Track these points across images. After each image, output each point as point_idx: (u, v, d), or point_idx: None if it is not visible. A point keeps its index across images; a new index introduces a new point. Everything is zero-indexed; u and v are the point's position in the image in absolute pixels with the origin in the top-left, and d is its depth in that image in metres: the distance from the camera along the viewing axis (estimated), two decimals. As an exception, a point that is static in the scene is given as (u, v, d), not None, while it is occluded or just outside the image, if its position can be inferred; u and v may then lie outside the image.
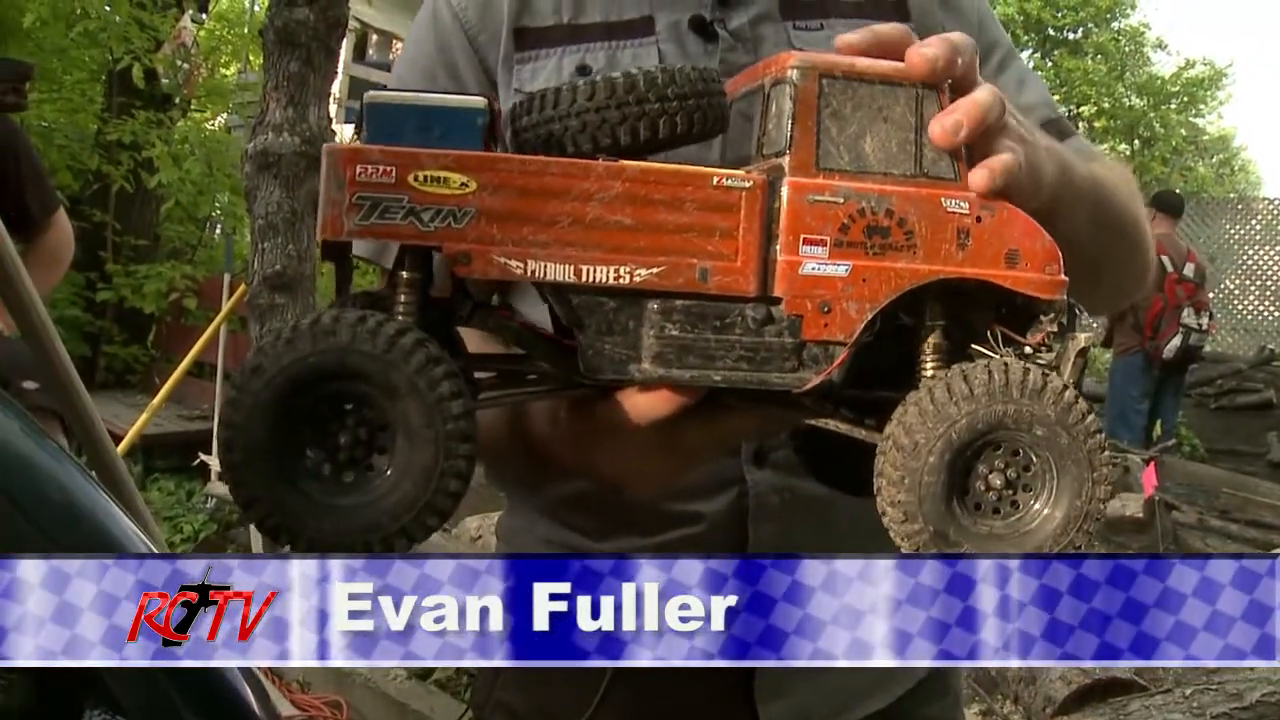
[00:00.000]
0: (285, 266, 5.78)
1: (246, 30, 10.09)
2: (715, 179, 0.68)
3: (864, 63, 0.72)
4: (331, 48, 5.87)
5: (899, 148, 0.71)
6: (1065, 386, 0.70)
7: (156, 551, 1.36)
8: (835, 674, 1.23)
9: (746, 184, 0.68)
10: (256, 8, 13.33)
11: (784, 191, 0.68)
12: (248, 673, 1.32)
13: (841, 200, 0.68)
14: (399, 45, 17.03)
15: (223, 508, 5.60)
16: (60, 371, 1.89)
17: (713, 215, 0.67)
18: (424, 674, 3.88)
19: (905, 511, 0.69)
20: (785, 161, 0.69)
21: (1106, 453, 0.72)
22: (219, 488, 5.52)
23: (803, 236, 0.68)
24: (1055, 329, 0.73)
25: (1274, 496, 6.45)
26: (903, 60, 0.74)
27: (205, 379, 6.99)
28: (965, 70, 0.76)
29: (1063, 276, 0.72)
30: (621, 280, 0.68)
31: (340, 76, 9.36)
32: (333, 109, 6.39)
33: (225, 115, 10.29)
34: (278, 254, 5.77)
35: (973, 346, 0.74)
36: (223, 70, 10.75)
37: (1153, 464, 5.11)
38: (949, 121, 0.72)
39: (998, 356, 0.71)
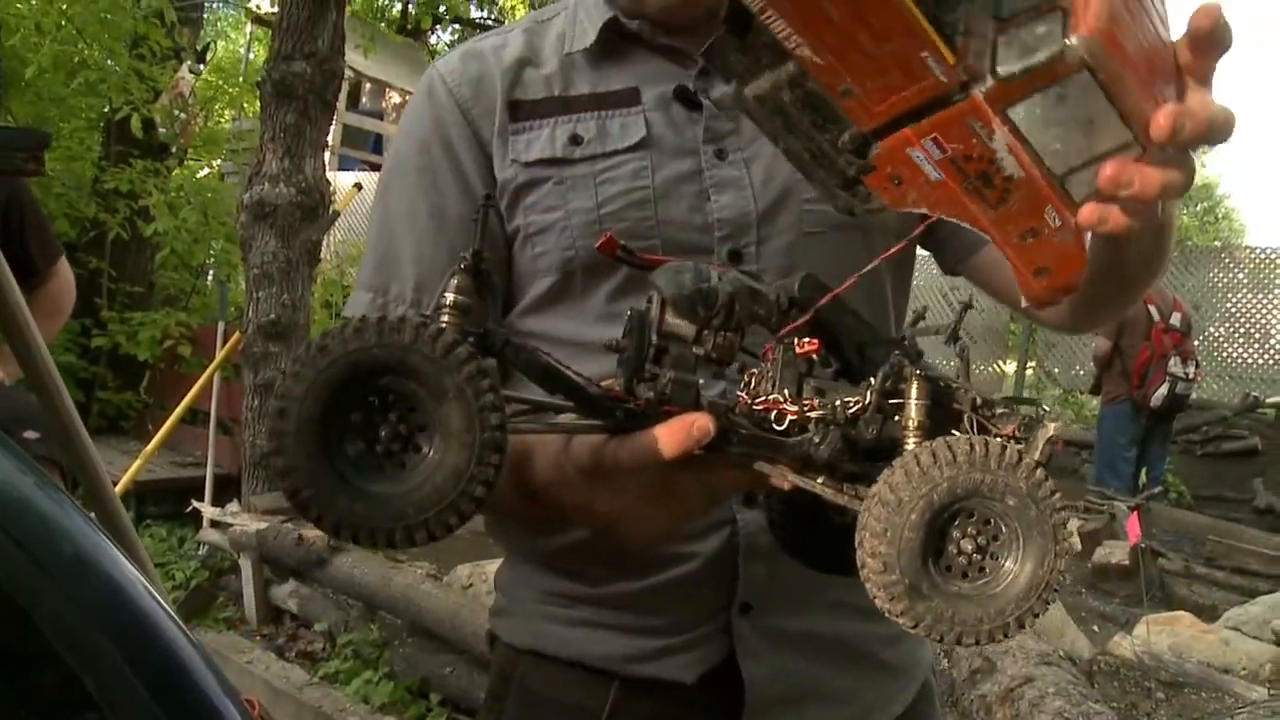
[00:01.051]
0: (280, 315, 5.84)
1: (242, 79, 10.23)
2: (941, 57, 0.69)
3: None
4: (328, 100, 5.98)
5: (1072, 149, 0.71)
6: (1037, 463, 0.75)
7: (158, 598, 1.40)
8: (820, 712, 1.28)
9: (955, 70, 0.68)
10: (251, 55, 13.49)
11: (974, 90, 0.69)
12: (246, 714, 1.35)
13: (991, 143, 0.70)
14: (392, 94, 17.18)
15: (214, 554, 5.60)
16: (66, 421, 1.94)
17: (914, 54, 0.68)
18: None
19: (884, 562, 0.73)
20: (988, 85, 0.69)
21: (1068, 528, 0.77)
22: (211, 535, 5.54)
23: (936, 136, 0.70)
24: (1021, 421, 0.79)
25: (1259, 543, 6.49)
26: None
27: (198, 426, 7.01)
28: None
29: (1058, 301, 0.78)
30: None
31: (334, 125, 9.46)
32: (327, 157, 6.47)
33: (220, 162, 10.40)
34: (272, 303, 5.83)
35: (952, 431, 0.79)
36: (218, 118, 10.87)
37: (1136, 512, 5.15)
38: (1176, 119, 0.70)
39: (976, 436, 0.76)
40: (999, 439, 0.75)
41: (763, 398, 0.83)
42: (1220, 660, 4.16)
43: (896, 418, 0.80)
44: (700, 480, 0.86)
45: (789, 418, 0.81)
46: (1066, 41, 0.66)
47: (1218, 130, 0.73)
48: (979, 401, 0.81)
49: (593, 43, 1.25)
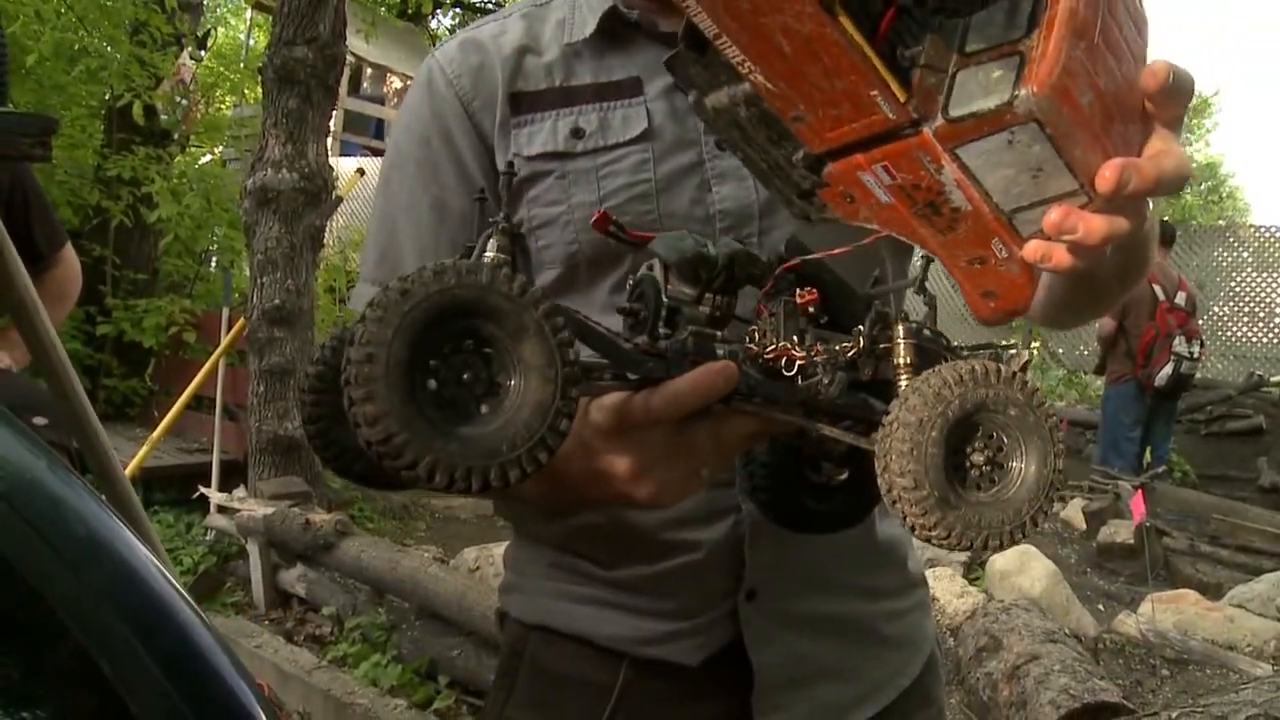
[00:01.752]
0: (284, 301, 5.84)
1: (243, 65, 10.21)
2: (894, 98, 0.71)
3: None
4: (330, 85, 5.97)
5: (1020, 191, 0.74)
6: (1026, 377, 0.81)
7: (171, 579, 1.41)
8: (828, 690, 1.30)
9: (906, 107, 0.70)
10: (252, 41, 13.47)
11: (924, 127, 0.71)
12: (264, 701, 1.36)
13: (939, 176, 0.73)
14: (393, 79, 17.15)
15: (222, 540, 5.62)
16: (76, 405, 1.95)
17: (863, 91, 0.70)
18: (424, 703, 3.92)
19: (914, 479, 0.77)
20: (938, 123, 0.70)
21: (1060, 426, 0.83)
22: (218, 520, 5.56)
23: (886, 164, 0.73)
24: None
25: (1264, 522, 6.49)
26: None
27: (204, 412, 7.02)
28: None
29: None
30: None
31: (336, 110, 9.44)
32: (329, 143, 6.47)
33: (221, 148, 10.39)
34: (277, 288, 5.84)
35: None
36: (220, 104, 10.85)
37: (1141, 491, 5.15)
38: (1121, 173, 0.71)
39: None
40: (986, 363, 0.80)
41: (772, 346, 0.86)
42: (1225, 638, 4.17)
43: (886, 359, 0.86)
44: (712, 432, 0.88)
45: (798, 363, 0.85)
46: (1017, 92, 0.67)
47: (1167, 184, 0.73)
48: (949, 343, 0.88)
49: (593, 32, 1.24)
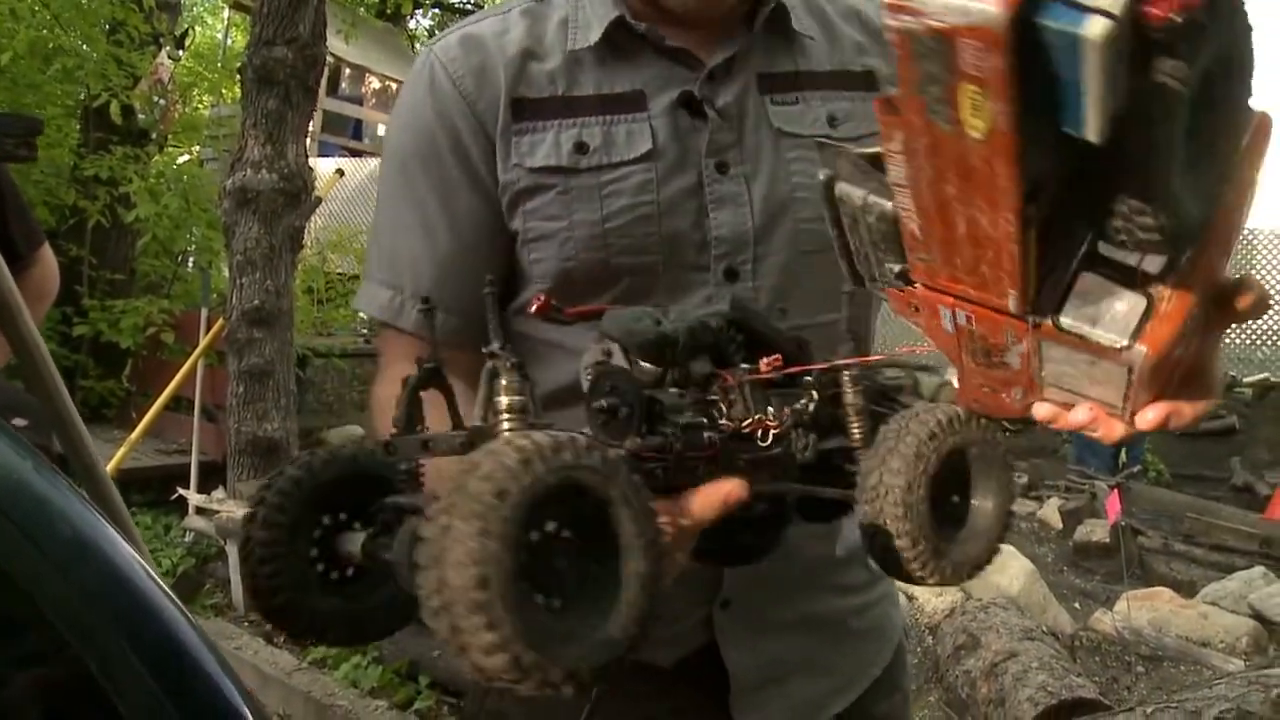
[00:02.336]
0: (264, 302, 5.82)
1: (220, 65, 10.16)
2: None
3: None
4: (309, 86, 5.95)
5: (1069, 381, 0.76)
6: (981, 419, 0.85)
7: (156, 579, 1.41)
8: (803, 686, 1.32)
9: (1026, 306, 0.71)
10: (229, 41, 13.41)
11: (1029, 318, 0.71)
12: (250, 700, 1.36)
13: (1010, 344, 0.75)
14: (371, 79, 17.08)
15: (200, 541, 5.61)
16: (59, 404, 1.95)
17: (999, 280, 0.69)
18: (405, 704, 3.92)
19: (911, 539, 0.81)
20: (1043, 320, 0.71)
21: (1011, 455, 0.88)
22: (197, 521, 5.53)
23: (973, 316, 0.74)
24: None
25: (1237, 521, 6.56)
26: None
27: (182, 413, 6.98)
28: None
29: None
30: None
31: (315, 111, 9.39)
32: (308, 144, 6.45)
33: (199, 148, 10.34)
34: (256, 289, 5.82)
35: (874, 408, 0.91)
36: (197, 104, 10.80)
37: (1116, 491, 5.20)
38: (1166, 416, 0.76)
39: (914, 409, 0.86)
40: (945, 410, 0.84)
41: (748, 420, 0.85)
42: (1198, 634, 4.22)
43: (833, 403, 0.90)
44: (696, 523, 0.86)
45: (773, 432, 0.86)
46: (1132, 345, 0.67)
47: (1191, 425, 0.78)
48: (881, 381, 0.94)
49: (598, 40, 1.22)
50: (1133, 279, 0.68)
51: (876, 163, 0.72)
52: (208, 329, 6.28)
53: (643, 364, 0.83)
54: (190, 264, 9.26)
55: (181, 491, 5.74)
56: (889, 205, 0.72)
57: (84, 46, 8.18)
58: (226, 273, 6.28)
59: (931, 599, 4.31)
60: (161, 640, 1.32)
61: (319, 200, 6.50)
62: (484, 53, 1.23)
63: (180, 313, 7.81)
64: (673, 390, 0.83)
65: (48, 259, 3.33)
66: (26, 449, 1.45)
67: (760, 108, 1.24)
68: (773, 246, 1.22)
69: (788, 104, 1.25)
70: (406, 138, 1.27)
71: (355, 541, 0.77)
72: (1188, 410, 0.76)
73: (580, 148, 1.19)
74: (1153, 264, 0.68)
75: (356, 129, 16.43)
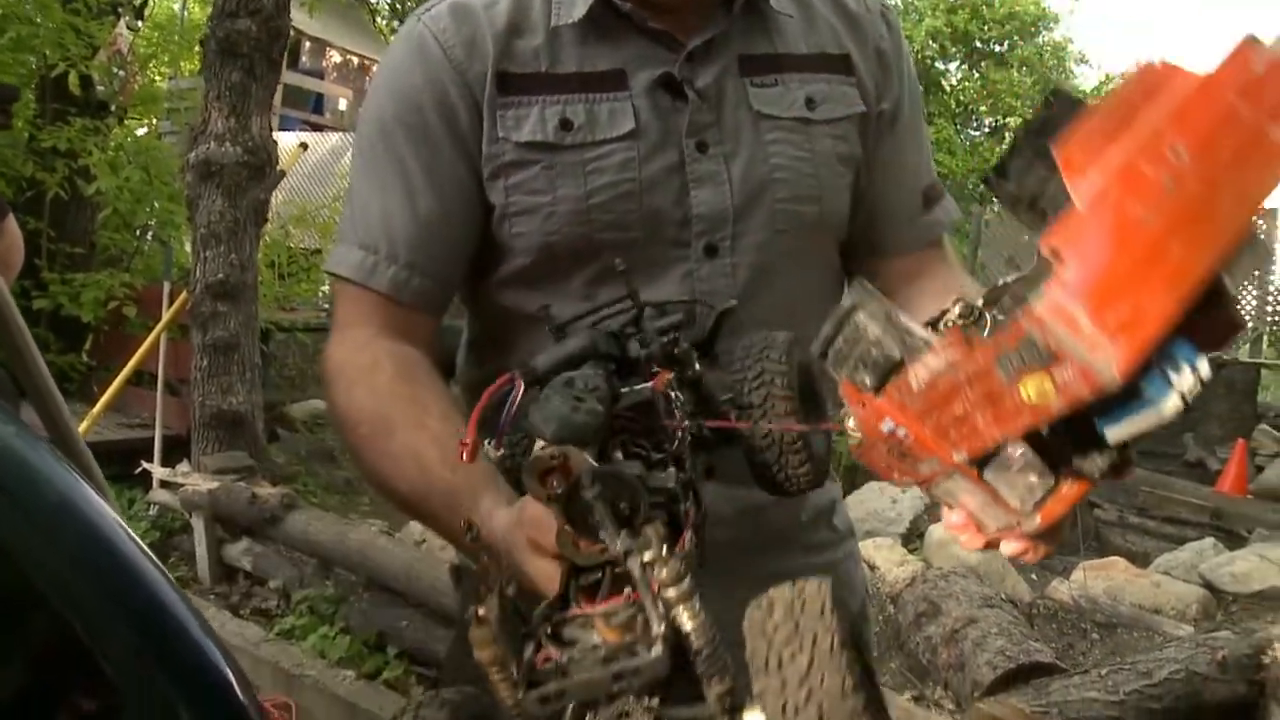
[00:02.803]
0: (228, 275, 5.80)
1: (178, 37, 10.02)
2: None
3: None
4: (273, 58, 5.91)
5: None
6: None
7: (139, 542, 1.43)
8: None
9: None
10: (186, 13, 13.21)
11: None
12: (229, 657, 1.39)
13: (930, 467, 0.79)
14: (332, 53, 16.93)
15: (165, 515, 5.59)
16: (37, 376, 1.96)
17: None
18: (373, 674, 3.94)
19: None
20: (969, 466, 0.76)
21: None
22: (161, 495, 5.52)
23: (909, 432, 0.77)
24: None
25: (1189, 494, 6.71)
26: None
27: (144, 388, 6.94)
28: None
29: None
30: None
31: (276, 84, 9.29)
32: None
33: (158, 121, 10.20)
34: (220, 263, 5.79)
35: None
36: (155, 76, 10.64)
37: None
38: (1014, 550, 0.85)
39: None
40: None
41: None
42: (1151, 602, 4.33)
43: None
44: None
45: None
46: (1029, 511, 0.75)
47: (1032, 562, 0.86)
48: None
49: (582, 18, 1.23)
50: (1054, 465, 0.74)
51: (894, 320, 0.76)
52: (170, 303, 6.24)
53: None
54: (150, 237, 9.16)
55: (145, 465, 5.71)
56: (897, 354, 0.75)
57: (37, 18, 8.03)
58: (189, 247, 6.24)
59: (893, 568, 4.38)
60: (145, 602, 1.34)
61: (282, 174, 6.47)
62: (474, 24, 1.24)
63: (142, 287, 7.73)
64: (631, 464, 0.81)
65: (12, 229, 3.31)
66: (8, 414, 1.47)
67: (740, 90, 1.27)
68: (750, 225, 1.26)
69: (767, 86, 1.28)
70: (390, 102, 1.27)
71: None
72: (1036, 553, 0.86)
73: (565, 125, 1.21)
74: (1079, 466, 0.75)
75: (317, 103, 16.31)
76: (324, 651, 4.06)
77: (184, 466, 5.72)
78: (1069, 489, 0.75)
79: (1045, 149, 0.74)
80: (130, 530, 1.41)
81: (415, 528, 5.01)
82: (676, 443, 0.85)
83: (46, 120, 7.88)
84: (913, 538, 5.07)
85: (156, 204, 8.50)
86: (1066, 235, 0.59)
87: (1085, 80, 25.28)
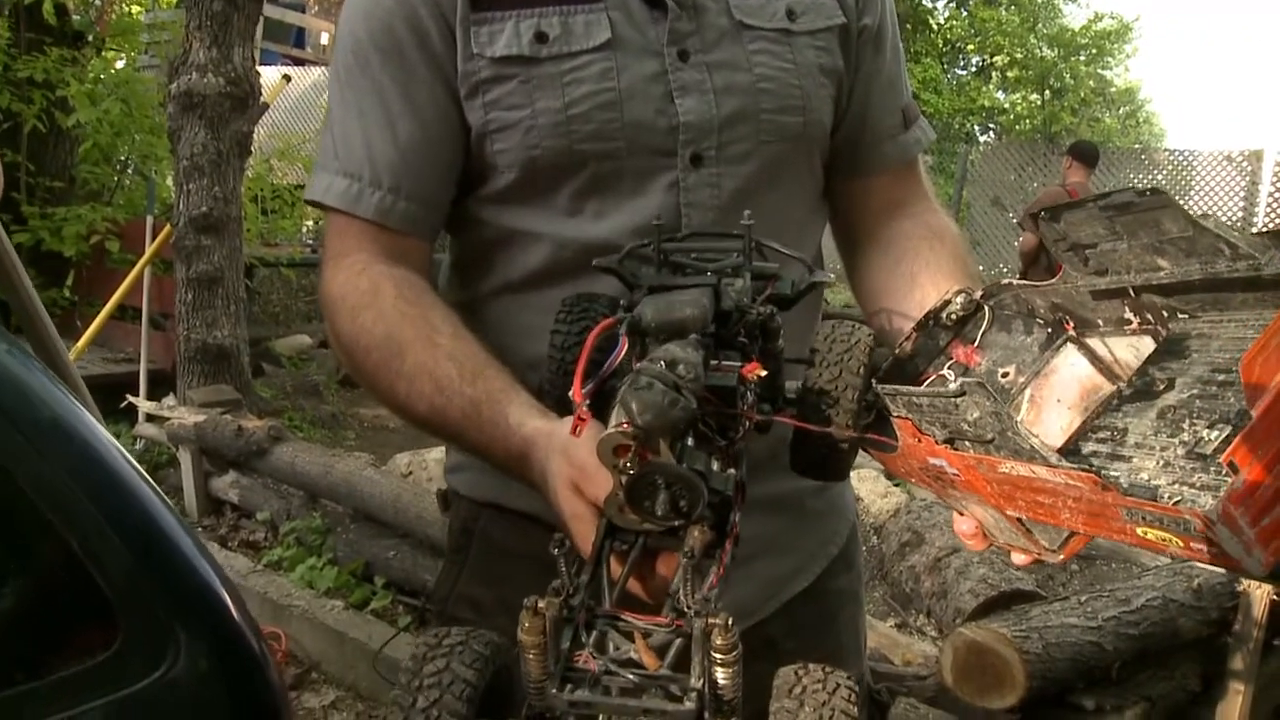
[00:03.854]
0: (211, 208, 5.76)
1: (158, -33, 9.85)
2: None
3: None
4: (255, -13, 5.82)
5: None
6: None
7: (132, 461, 1.43)
8: (768, 566, 1.37)
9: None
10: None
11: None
12: (225, 579, 1.40)
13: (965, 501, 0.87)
14: (313, -15, 16.64)
15: (152, 449, 5.59)
16: (26, 301, 1.96)
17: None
18: (361, 604, 3.98)
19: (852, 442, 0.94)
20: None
21: None
22: (148, 429, 5.52)
23: (953, 465, 0.83)
24: None
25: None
26: None
27: (129, 322, 6.92)
28: None
29: None
30: None
31: (257, 16, 9.14)
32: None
33: (136, 54, 10.04)
34: (203, 195, 5.75)
35: None
36: (129, 8, 10.47)
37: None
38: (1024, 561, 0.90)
39: None
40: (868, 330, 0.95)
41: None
42: (1130, 536, 4.38)
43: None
44: None
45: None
46: (1054, 550, 0.83)
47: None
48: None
49: None
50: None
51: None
52: (153, 237, 6.20)
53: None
54: (132, 172, 9.06)
55: (131, 399, 5.71)
56: (989, 436, 0.79)
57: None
58: (171, 181, 6.18)
59: (877, 500, 4.43)
60: (139, 518, 1.35)
61: (266, 106, 6.39)
62: None
63: (125, 221, 7.67)
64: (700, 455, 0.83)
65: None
66: (1, 334, 1.46)
67: (721, 0, 1.26)
68: (736, 134, 1.25)
69: None
70: (363, 28, 1.26)
71: None
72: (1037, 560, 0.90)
73: (540, 37, 1.20)
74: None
75: (299, 37, 16.05)
76: (312, 582, 4.10)
77: (170, 400, 5.72)
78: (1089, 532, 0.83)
79: (1113, 220, 0.82)
80: (125, 451, 1.41)
81: (401, 460, 5.03)
82: (742, 432, 0.86)
83: (21, 50, 7.75)
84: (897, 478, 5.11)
85: (137, 137, 8.40)
86: (1243, 452, 0.64)
87: (1074, 19, 25.16)
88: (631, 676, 0.70)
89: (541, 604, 0.72)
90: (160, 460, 5.54)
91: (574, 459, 0.90)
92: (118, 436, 5.01)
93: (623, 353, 0.86)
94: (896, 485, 4.74)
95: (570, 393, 0.83)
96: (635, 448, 0.75)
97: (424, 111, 1.24)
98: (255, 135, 6.36)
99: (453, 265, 1.40)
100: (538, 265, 1.26)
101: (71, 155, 8.34)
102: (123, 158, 8.84)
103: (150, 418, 5.51)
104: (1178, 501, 0.64)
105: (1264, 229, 0.76)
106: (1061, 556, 0.83)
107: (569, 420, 0.91)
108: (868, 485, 4.55)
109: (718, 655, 0.68)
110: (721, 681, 0.69)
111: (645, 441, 0.75)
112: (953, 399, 0.80)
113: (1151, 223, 0.81)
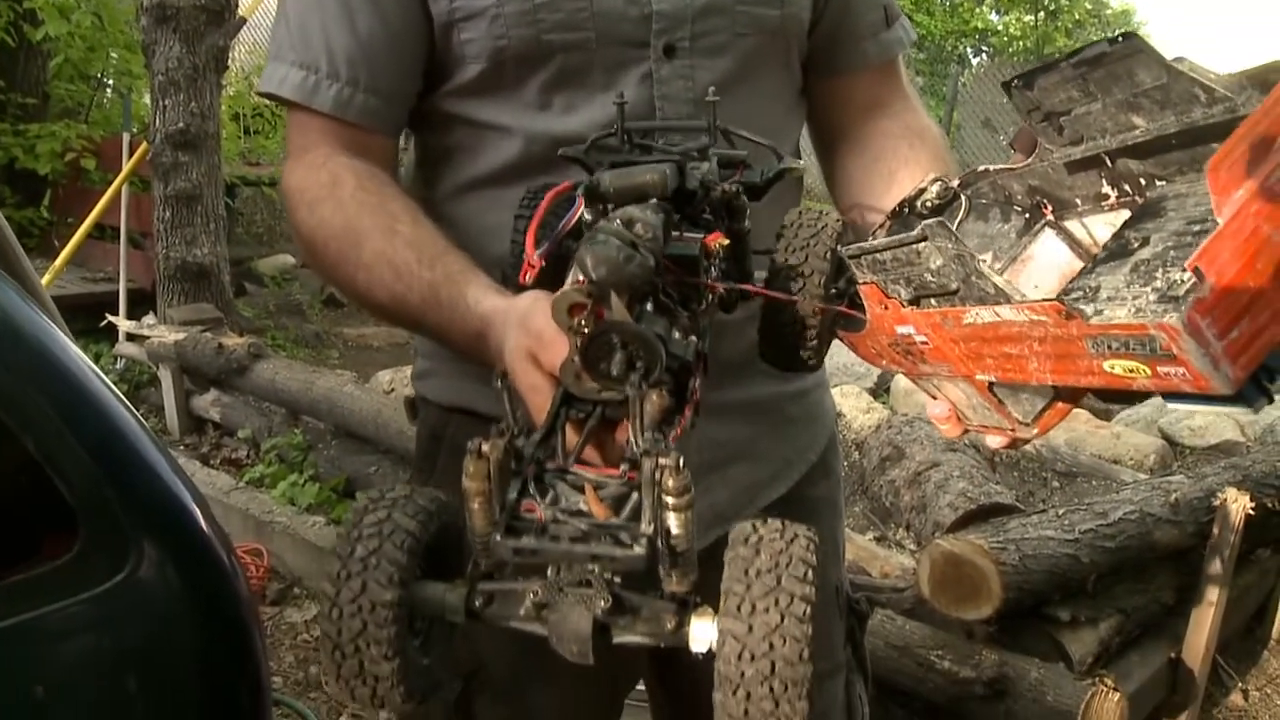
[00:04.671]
0: (188, 124, 5.67)
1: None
2: None
3: None
4: (227, -106, 5.67)
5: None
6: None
7: (93, 366, 1.41)
8: (744, 471, 1.36)
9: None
10: None
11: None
12: (195, 491, 1.38)
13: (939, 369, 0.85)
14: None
15: (133, 368, 5.56)
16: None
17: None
18: (342, 519, 3.98)
19: (818, 327, 0.90)
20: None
21: None
22: (128, 348, 5.49)
23: (922, 332, 0.82)
24: None
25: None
26: None
27: (107, 241, 6.85)
28: None
29: None
30: None
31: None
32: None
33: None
34: (180, 111, 5.65)
35: None
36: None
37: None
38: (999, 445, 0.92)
39: None
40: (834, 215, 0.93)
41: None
42: (1110, 453, 4.40)
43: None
44: None
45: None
46: (1029, 424, 0.85)
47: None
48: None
49: None
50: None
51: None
52: (130, 155, 6.11)
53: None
54: (108, 88, 8.90)
55: (111, 319, 5.67)
56: (953, 286, 0.78)
57: None
58: (148, 99, 6.07)
59: (859, 415, 4.43)
60: (99, 426, 1.32)
61: (243, 20, 6.26)
62: None
63: (101, 138, 7.55)
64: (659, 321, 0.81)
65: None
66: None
67: None
68: (710, 25, 1.22)
69: None
70: None
71: (441, 595, 0.72)
72: (1016, 445, 0.92)
73: None
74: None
75: (278, -49, 15.72)
76: (293, 498, 4.10)
77: (150, 319, 5.69)
78: (1063, 404, 0.82)
79: (1086, 77, 0.80)
80: (88, 360, 1.39)
81: (383, 377, 5.01)
82: (705, 304, 0.84)
83: (-17, -43, 7.55)
84: (880, 391, 5.12)
85: (112, 54, 8.24)
86: (1209, 258, 0.62)
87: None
88: (581, 525, 0.69)
89: (485, 446, 0.69)
90: (141, 379, 5.52)
91: (530, 328, 0.88)
92: (98, 357, 4.99)
93: (579, 213, 0.85)
94: (879, 401, 4.75)
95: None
96: (591, 305, 0.73)
97: (382, 2, 1.20)
98: (235, 53, 6.24)
99: (417, 164, 1.37)
100: (507, 161, 1.24)
101: (43, 71, 8.18)
102: (97, 74, 8.68)
103: (130, 337, 5.48)
104: (1155, 321, 0.63)
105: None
106: (1036, 430, 0.82)
107: (527, 295, 0.89)
108: (850, 401, 4.55)
109: (669, 499, 0.66)
110: (674, 530, 0.67)
111: (601, 299, 0.73)
112: (914, 245, 0.78)
113: (1125, 74, 0.79)
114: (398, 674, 0.68)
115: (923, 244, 0.77)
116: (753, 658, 0.62)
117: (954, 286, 0.76)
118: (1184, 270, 0.63)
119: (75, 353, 1.35)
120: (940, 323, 0.77)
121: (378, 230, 1.13)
